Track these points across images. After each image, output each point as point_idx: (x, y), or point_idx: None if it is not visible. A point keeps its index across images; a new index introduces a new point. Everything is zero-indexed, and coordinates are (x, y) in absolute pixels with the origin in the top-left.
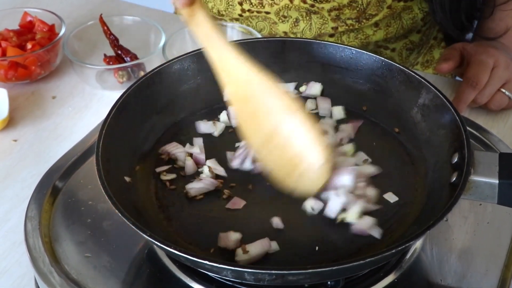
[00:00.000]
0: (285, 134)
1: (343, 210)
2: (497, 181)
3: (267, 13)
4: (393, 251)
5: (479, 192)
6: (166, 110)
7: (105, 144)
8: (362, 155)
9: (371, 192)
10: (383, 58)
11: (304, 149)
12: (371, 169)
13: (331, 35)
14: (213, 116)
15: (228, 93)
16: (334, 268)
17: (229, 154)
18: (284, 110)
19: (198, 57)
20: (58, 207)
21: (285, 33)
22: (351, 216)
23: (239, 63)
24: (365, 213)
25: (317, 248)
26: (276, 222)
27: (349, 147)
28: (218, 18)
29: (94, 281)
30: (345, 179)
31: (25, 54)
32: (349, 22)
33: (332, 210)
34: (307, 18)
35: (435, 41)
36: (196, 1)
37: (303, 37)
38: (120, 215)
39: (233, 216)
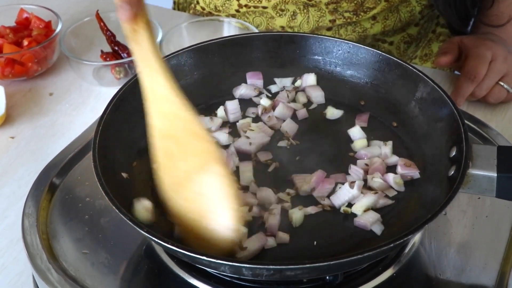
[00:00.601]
0: (200, 184)
1: (349, 203)
2: (495, 175)
3: (264, 7)
4: (391, 245)
5: (478, 185)
6: None
7: (101, 141)
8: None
9: (386, 187)
10: (380, 52)
11: (215, 207)
12: (393, 159)
13: (329, 29)
14: (210, 111)
15: (153, 126)
16: (331, 262)
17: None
18: (206, 158)
19: (195, 53)
20: (56, 204)
21: (283, 27)
22: (358, 208)
23: (171, 97)
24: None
25: (315, 243)
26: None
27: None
28: (214, 14)
29: (92, 277)
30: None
31: (21, 51)
32: (346, 15)
33: (339, 199)
34: (305, 11)
35: (434, 34)
36: (140, 17)
37: (301, 30)
38: (117, 211)
39: None
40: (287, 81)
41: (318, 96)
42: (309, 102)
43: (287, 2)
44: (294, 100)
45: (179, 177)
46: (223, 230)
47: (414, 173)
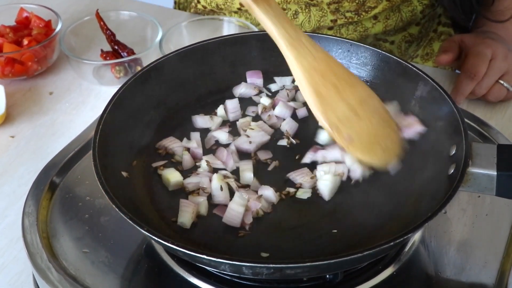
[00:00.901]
0: (371, 108)
1: None
2: (495, 173)
3: None
4: (391, 243)
5: (477, 184)
6: (163, 105)
7: (101, 140)
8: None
9: None
10: (380, 51)
11: (388, 123)
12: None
13: (330, 28)
14: (210, 110)
15: (302, 66)
16: (332, 261)
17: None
18: (365, 88)
19: (194, 52)
20: (56, 203)
21: None
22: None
23: (318, 45)
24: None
25: (316, 241)
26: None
27: None
28: (216, 11)
29: (92, 276)
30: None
31: (21, 50)
32: (348, 14)
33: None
34: (306, 10)
35: (435, 34)
36: None
37: (302, 29)
38: (117, 210)
39: None
40: (287, 80)
41: None
42: None
43: (289, 1)
44: (294, 99)
45: (351, 102)
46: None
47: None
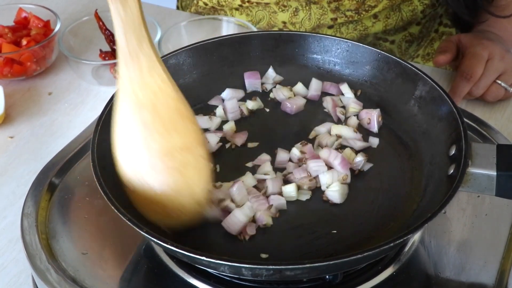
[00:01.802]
0: (179, 160)
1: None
2: (495, 173)
3: (267, 3)
4: (391, 244)
5: (477, 184)
6: None
7: (100, 141)
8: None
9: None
10: (379, 51)
11: (189, 183)
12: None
13: (330, 27)
14: (209, 111)
15: (121, 90)
16: (331, 262)
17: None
18: (189, 138)
19: (193, 52)
20: (55, 204)
21: (284, 23)
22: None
23: (158, 69)
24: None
25: (315, 242)
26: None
27: None
28: (217, 8)
29: (91, 278)
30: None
31: (20, 50)
32: (348, 13)
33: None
34: (307, 8)
35: (436, 34)
36: None
37: (302, 27)
38: (116, 211)
39: None
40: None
41: (316, 89)
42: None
43: None
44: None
45: (153, 150)
46: (190, 204)
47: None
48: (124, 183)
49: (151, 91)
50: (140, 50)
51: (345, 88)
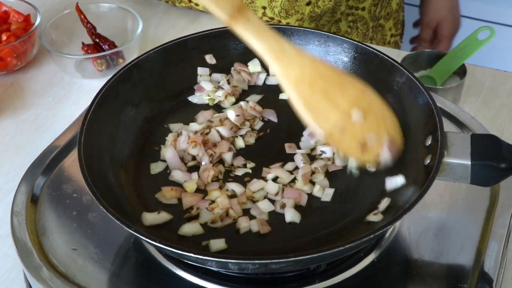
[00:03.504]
0: (363, 107)
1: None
2: (469, 162)
3: None
4: (371, 236)
5: (453, 173)
6: (146, 102)
7: (86, 140)
8: None
9: None
10: (356, 42)
11: (382, 119)
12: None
13: (308, 3)
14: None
15: (289, 79)
16: (314, 255)
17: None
18: (356, 84)
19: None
20: (43, 201)
21: (264, 8)
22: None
23: (302, 51)
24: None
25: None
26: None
27: None
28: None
29: (82, 274)
30: None
31: (0, 46)
32: None
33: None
34: None
35: None
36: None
37: (282, 10)
38: (105, 211)
39: None
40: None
41: None
42: None
43: None
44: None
45: (342, 106)
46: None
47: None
48: None
49: (307, 66)
50: (281, 45)
51: None
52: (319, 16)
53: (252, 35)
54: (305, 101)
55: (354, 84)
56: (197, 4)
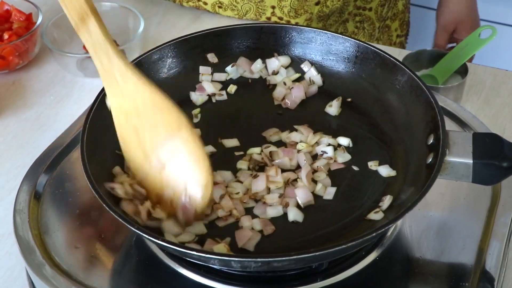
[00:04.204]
0: (168, 150)
1: None
2: (471, 161)
3: None
4: (373, 234)
5: (455, 172)
6: None
7: (89, 138)
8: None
9: None
10: (358, 42)
11: (184, 173)
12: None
13: (317, 3)
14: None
15: (112, 106)
16: (317, 253)
17: None
18: (173, 126)
19: (176, 46)
20: (46, 199)
21: (273, 7)
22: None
23: (127, 74)
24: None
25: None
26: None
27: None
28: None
29: (84, 272)
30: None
31: (2, 44)
32: None
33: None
34: None
35: None
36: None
37: (292, 10)
38: (108, 209)
39: None
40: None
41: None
42: None
43: None
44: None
45: (146, 149)
46: (194, 194)
47: None
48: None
49: (129, 96)
50: (111, 66)
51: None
52: (327, 16)
53: (89, 47)
54: (119, 130)
55: (168, 125)
56: (205, 3)
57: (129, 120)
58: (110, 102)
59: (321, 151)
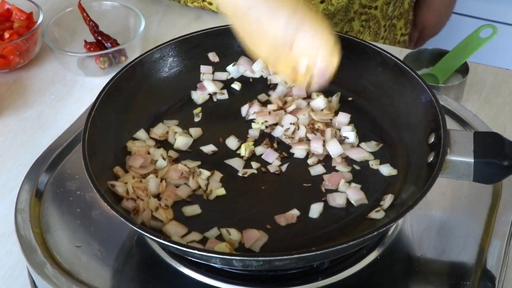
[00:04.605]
0: (292, 30)
1: None
2: (472, 160)
3: None
4: (374, 233)
5: (456, 171)
6: (148, 100)
7: (90, 137)
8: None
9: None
10: (358, 40)
11: (314, 39)
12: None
13: (322, 1)
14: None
15: (226, 8)
16: (318, 252)
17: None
18: (287, 10)
19: (178, 45)
20: (47, 199)
21: None
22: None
23: None
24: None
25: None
26: None
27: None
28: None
29: (86, 270)
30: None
31: (2, 44)
32: None
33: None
34: None
35: None
36: None
37: None
38: (110, 208)
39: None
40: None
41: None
42: None
43: None
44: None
45: (273, 40)
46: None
47: None
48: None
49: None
50: None
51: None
52: (333, 14)
53: None
54: (242, 30)
55: (285, 5)
56: (210, 3)
57: (249, 16)
58: (223, 9)
59: (343, 136)
